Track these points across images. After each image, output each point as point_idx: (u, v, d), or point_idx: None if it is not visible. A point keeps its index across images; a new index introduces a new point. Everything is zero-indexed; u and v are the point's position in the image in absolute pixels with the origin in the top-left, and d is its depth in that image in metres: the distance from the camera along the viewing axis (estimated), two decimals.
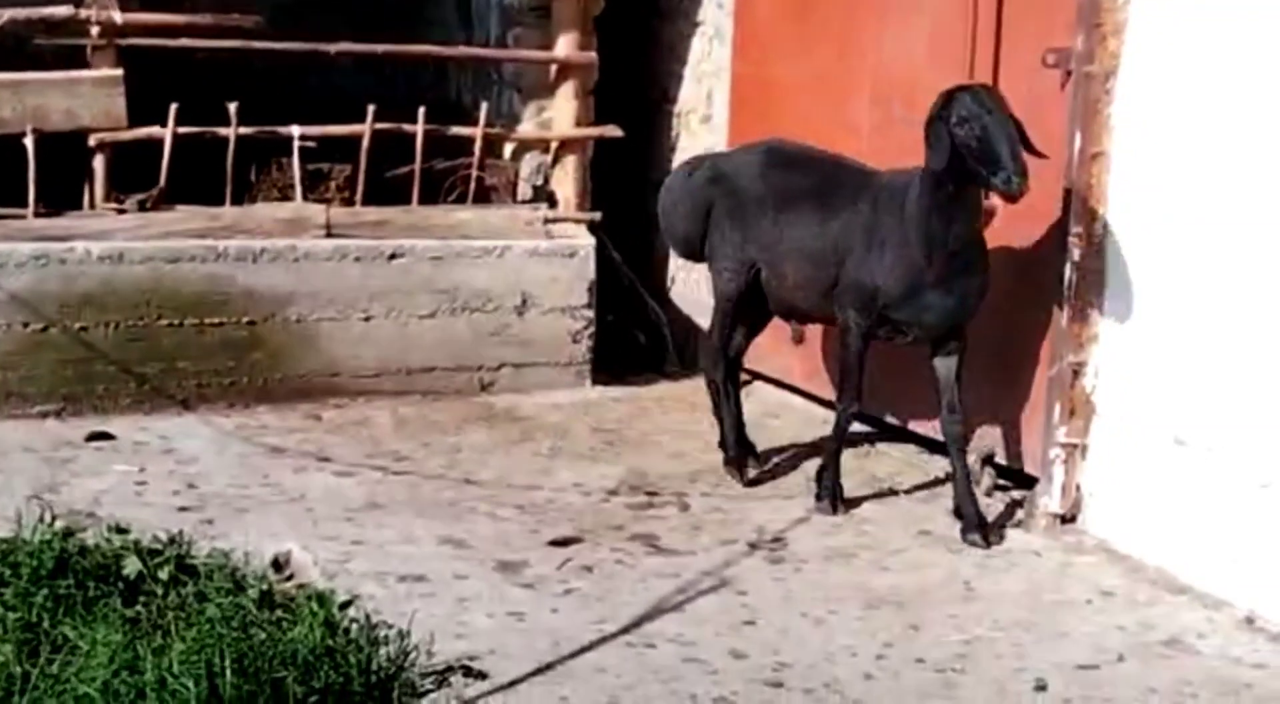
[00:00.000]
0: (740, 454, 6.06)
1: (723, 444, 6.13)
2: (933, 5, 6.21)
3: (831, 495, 5.61)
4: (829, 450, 5.67)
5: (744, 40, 7.42)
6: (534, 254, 7.14)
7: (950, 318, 5.38)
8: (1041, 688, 4.24)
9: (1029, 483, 5.67)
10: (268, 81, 7.25)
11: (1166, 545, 5.02)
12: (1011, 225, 5.59)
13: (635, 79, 8.29)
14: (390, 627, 4.20)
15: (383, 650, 4.09)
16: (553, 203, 7.57)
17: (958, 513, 5.46)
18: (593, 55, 7.56)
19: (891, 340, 5.58)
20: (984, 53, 5.85)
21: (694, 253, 6.20)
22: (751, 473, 5.99)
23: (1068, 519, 5.47)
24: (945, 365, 5.44)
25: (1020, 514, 5.59)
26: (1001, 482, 5.84)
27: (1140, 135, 5.22)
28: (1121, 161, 5.31)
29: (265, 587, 4.58)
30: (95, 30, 6.92)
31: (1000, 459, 5.85)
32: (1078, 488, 5.47)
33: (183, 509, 5.38)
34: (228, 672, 3.69)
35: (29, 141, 6.74)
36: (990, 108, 5.04)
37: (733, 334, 6.09)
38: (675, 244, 6.36)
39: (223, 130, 6.96)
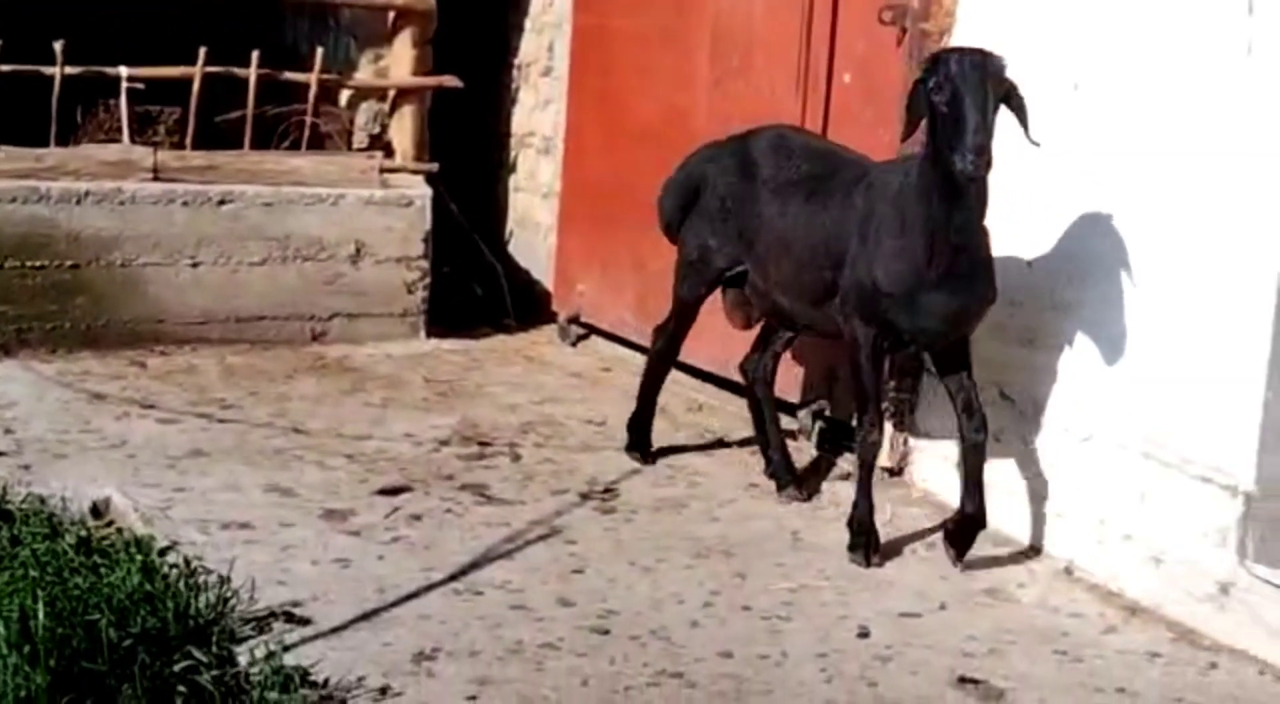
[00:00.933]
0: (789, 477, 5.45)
1: (771, 473, 5.49)
2: None
3: (866, 544, 4.84)
4: (860, 491, 4.89)
5: None
6: (369, 203, 7.05)
7: (954, 325, 4.72)
8: (864, 635, 4.28)
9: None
10: (96, 22, 7.04)
11: (990, 499, 5.09)
12: None
13: (476, 30, 8.20)
14: (210, 573, 4.12)
15: (202, 596, 4.01)
16: (389, 152, 7.48)
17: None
18: (432, 3, 7.47)
19: (892, 354, 5.06)
20: (822, 8, 5.86)
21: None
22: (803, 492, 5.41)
23: (895, 473, 5.53)
24: (957, 382, 4.80)
25: (849, 468, 5.63)
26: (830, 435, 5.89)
27: None
28: None
29: (83, 532, 4.48)
30: None
31: (830, 414, 5.89)
32: (905, 442, 5.53)
33: None
34: (40, 614, 3.58)
35: None
36: (971, 75, 4.33)
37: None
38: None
39: (48, 69, 6.75)
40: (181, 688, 3.54)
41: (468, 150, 8.09)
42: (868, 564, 4.78)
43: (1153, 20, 4.61)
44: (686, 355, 5.97)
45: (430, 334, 7.19)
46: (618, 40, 7.12)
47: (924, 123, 4.52)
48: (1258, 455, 4.30)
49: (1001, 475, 5.05)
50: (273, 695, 3.57)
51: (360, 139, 7.59)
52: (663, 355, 5.70)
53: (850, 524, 4.88)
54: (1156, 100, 4.59)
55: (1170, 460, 4.55)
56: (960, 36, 5.31)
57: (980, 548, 4.89)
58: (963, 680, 4.03)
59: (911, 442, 5.51)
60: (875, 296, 4.70)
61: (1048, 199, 4.95)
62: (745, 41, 6.27)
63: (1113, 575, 4.70)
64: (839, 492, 5.42)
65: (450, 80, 7.52)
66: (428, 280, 7.16)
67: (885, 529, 4.94)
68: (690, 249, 5.43)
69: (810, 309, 5.05)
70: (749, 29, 6.26)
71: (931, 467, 5.42)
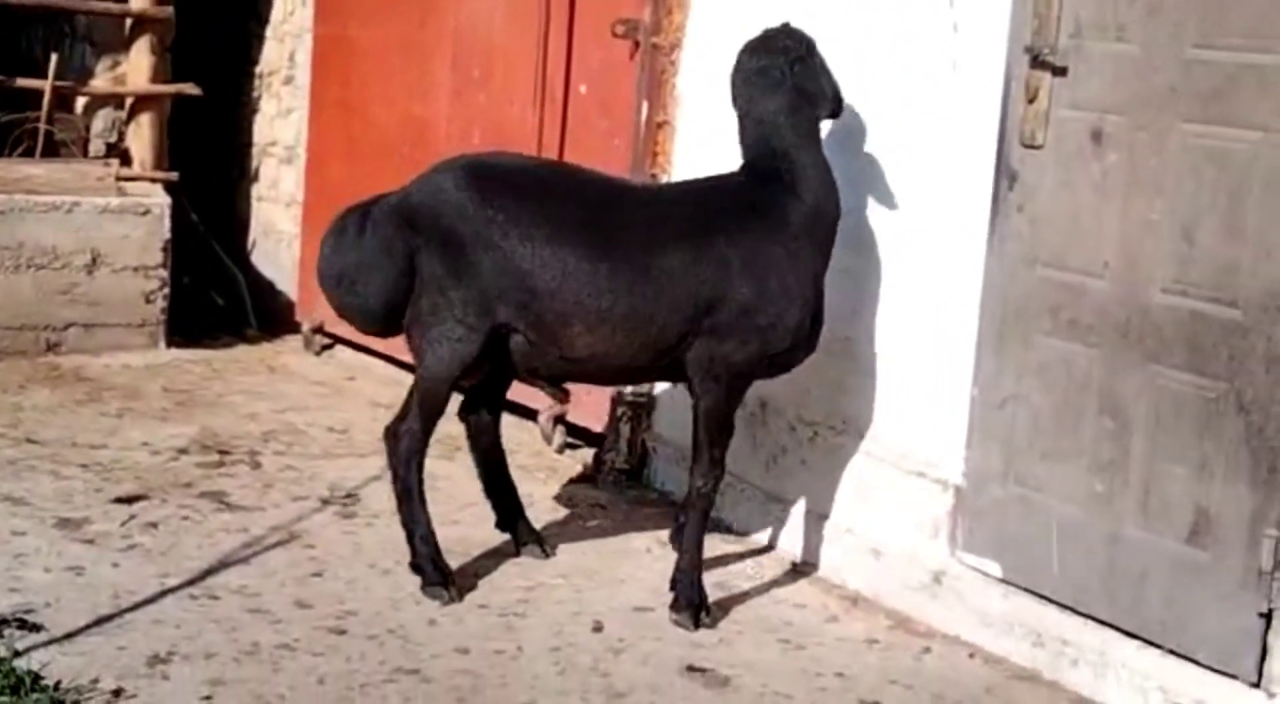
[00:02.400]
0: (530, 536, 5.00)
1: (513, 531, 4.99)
2: None
3: (698, 605, 4.52)
4: (695, 543, 4.57)
5: (325, 2, 7.38)
6: (105, 211, 6.94)
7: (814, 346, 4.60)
8: (598, 629, 4.41)
9: (598, 441, 5.85)
10: None
11: (723, 498, 5.26)
12: None
13: (217, 39, 8.15)
14: None
15: None
16: (126, 160, 7.38)
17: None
18: (170, 10, 7.40)
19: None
20: (558, 21, 5.98)
21: (394, 326, 4.62)
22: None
23: (633, 474, 5.68)
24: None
25: (588, 470, 5.77)
26: (571, 440, 6.01)
27: (702, 106, 5.44)
28: (685, 130, 5.53)
29: None
30: None
31: (573, 418, 6.02)
32: (642, 444, 5.69)
33: None
34: None
35: None
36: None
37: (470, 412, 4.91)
38: (369, 321, 4.67)
39: None
40: None
41: (209, 159, 8.04)
42: (696, 627, 4.43)
43: (869, 37, 4.84)
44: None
45: (170, 344, 7.10)
46: (359, 50, 7.16)
47: None
48: (965, 449, 4.55)
49: (733, 472, 5.23)
50: (4, 699, 3.54)
51: (97, 147, 7.50)
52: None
53: (678, 582, 4.53)
54: (870, 110, 4.82)
55: (886, 456, 4.79)
56: (690, 50, 5.50)
57: (712, 544, 5.05)
58: (691, 669, 4.18)
59: (648, 444, 5.66)
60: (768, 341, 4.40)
61: None
62: (485, 53, 6.37)
63: (836, 568, 4.92)
64: (581, 493, 5.55)
65: (189, 88, 7.46)
66: (167, 290, 7.07)
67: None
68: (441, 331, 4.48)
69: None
70: (489, 40, 6.36)
71: (667, 469, 5.58)
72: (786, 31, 4.54)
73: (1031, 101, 4.34)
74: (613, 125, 5.76)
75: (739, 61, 4.51)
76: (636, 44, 5.62)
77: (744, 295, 4.33)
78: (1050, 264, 4.32)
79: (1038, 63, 4.30)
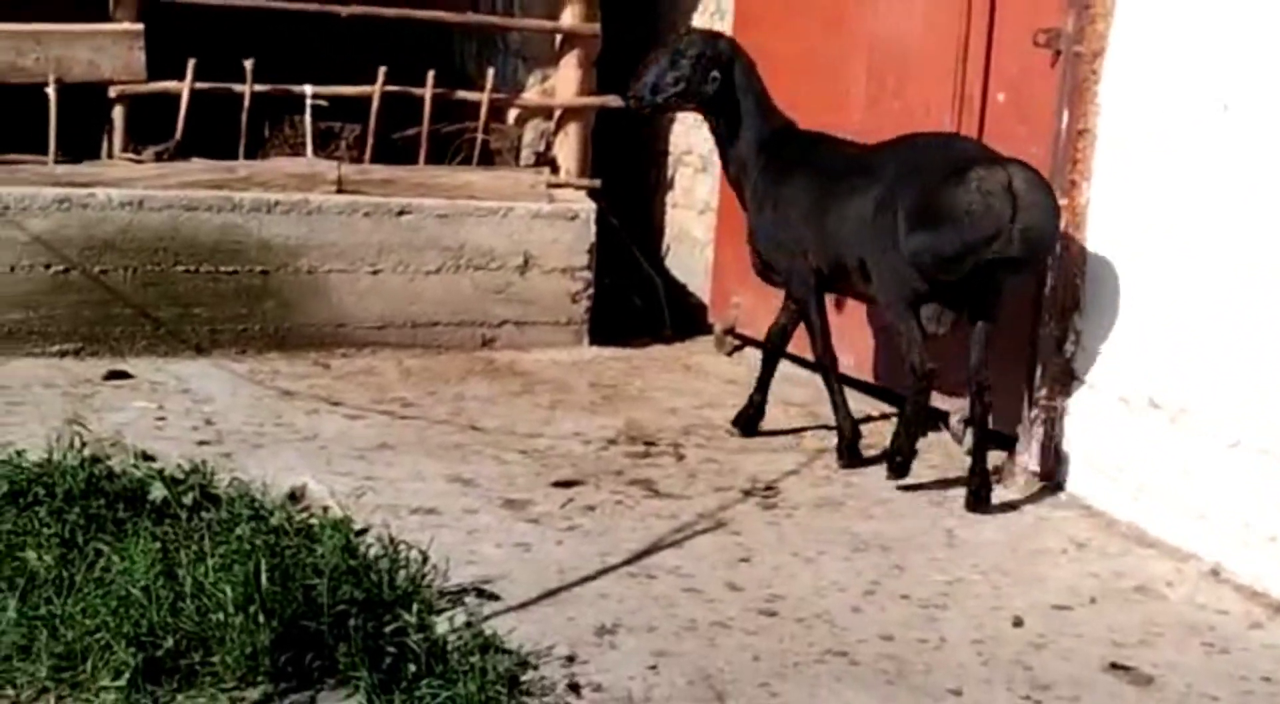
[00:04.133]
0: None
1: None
2: None
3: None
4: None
5: (743, 15, 7.65)
6: (536, 216, 7.38)
7: None
8: (1018, 624, 4.51)
9: (1008, 443, 5.93)
10: (281, 42, 7.47)
11: (1139, 502, 5.28)
12: None
13: (637, 52, 8.52)
14: (410, 550, 4.44)
15: (401, 571, 4.34)
16: (554, 169, 7.82)
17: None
18: (597, 26, 7.81)
19: None
20: (978, 29, 6.09)
21: None
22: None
23: (1045, 477, 5.74)
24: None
25: (1000, 473, 5.85)
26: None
27: (1125, 114, 5.47)
28: (1106, 139, 5.57)
29: (285, 515, 4.83)
30: None
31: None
32: (1055, 448, 5.74)
33: (201, 443, 5.62)
34: (263, 578, 3.93)
35: (51, 91, 6.96)
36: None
37: None
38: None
39: (238, 86, 7.19)
40: (391, 648, 3.87)
41: (627, 168, 8.42)
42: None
43: None
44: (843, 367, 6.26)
45: (593, 342, 7.51)
46: (774, 60, 7.34)
47: None
48: None
49: (1150, 480, 5.25)
50: (474, 659, 3.89)
51: (527, 156, 7.95)
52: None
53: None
54: None
55: None
56: (1113, 58, 5.53)
57: (1128, 549, 5.10)
58: (1114, 666, 4.25)
59: (1062, 448, 5.71)
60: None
61: (1194, 219, 5.15)
62: (901, 62, 6.53)
63: (1258, 576, 4.88)
64: (993, 494, 5.65)
65: (613, 100, 7.83)
66: (591, 291, 7.48)
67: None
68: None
69: None
70: (904, 50, 6.52)
71: (1081, 472, 5.61)
72: None
73: None
74: (1031, 133, 5.83)
75: None
76: (1058, 53, 5.68)
77: None
78: None
79: None
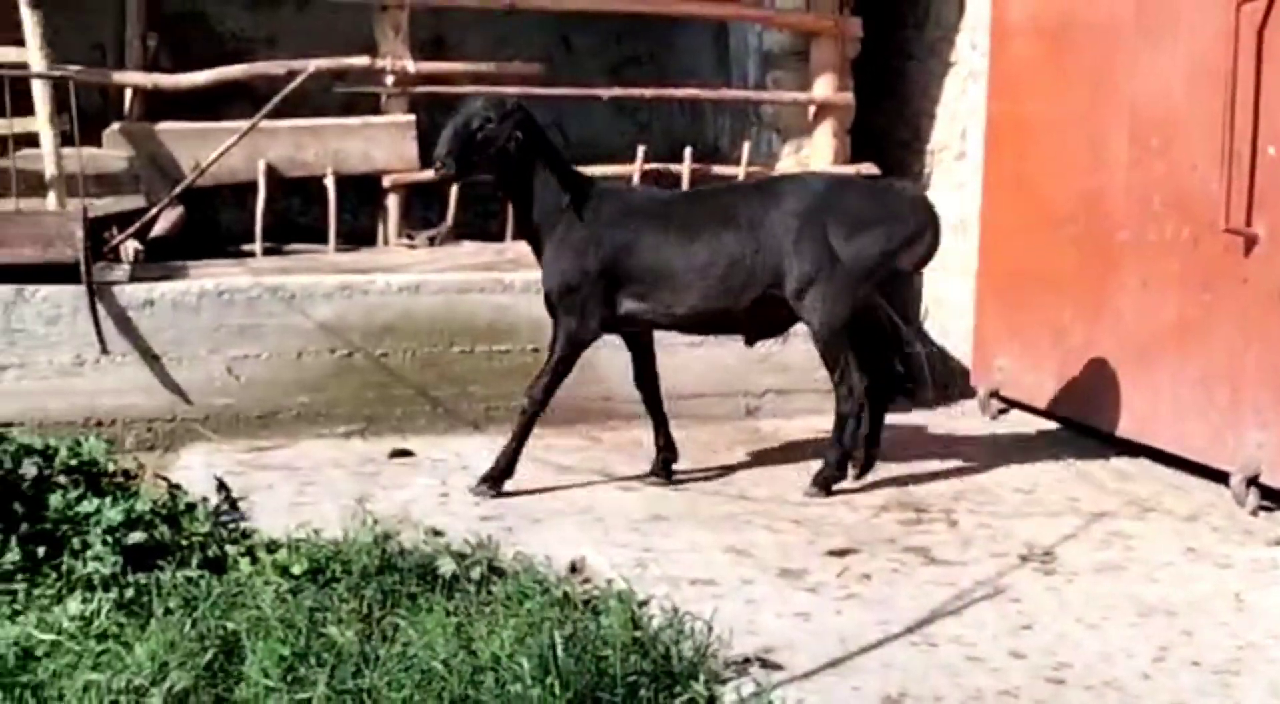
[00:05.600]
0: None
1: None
2: (1189, 39, 6.37)
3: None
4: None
5: (999, 80, 7.66)
6: None
7: None
8: None
9: None
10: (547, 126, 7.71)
11: None
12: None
13: (887, 119, 8.60)
14: (694, 621, 4.52)
15: (685, 642, 4.42)
16: None
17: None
18: (850, 96, 7.90)
19: None
20: (1245, 85, 5.99)
21: None
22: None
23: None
24: None
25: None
26: (1265, 503, 5.97)
27: None
28: None
29: (568, 587, 4.97)
30: (390, 79, 7.47)
31: (1266, 480, 5.97)
32: None
33: (484, 518, 5.80)
34: (558, 650, 4.05)
35: (329, 182, 7.30)
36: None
37: None
38: None
39: None
40: None
41: None
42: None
43: None
44: (1109, 425, 6.17)
45: None
46: (1032, 126, 7.39)
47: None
48: None
49: None
50: None
51: None
52: None
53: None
54: None
55: None
56: None
57: None
58: None
59: None
60: None
61: None
62: (1164, 121, 6.46)
63: None
64: (1276, 557, 5.52)
65: (868, 167, 7.92)
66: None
67: None
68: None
69: None
70: (1168, 109, 6.44)
71: None
72: None
73: None
74: None
75: None
76: None
77: None
78: None
79: None
